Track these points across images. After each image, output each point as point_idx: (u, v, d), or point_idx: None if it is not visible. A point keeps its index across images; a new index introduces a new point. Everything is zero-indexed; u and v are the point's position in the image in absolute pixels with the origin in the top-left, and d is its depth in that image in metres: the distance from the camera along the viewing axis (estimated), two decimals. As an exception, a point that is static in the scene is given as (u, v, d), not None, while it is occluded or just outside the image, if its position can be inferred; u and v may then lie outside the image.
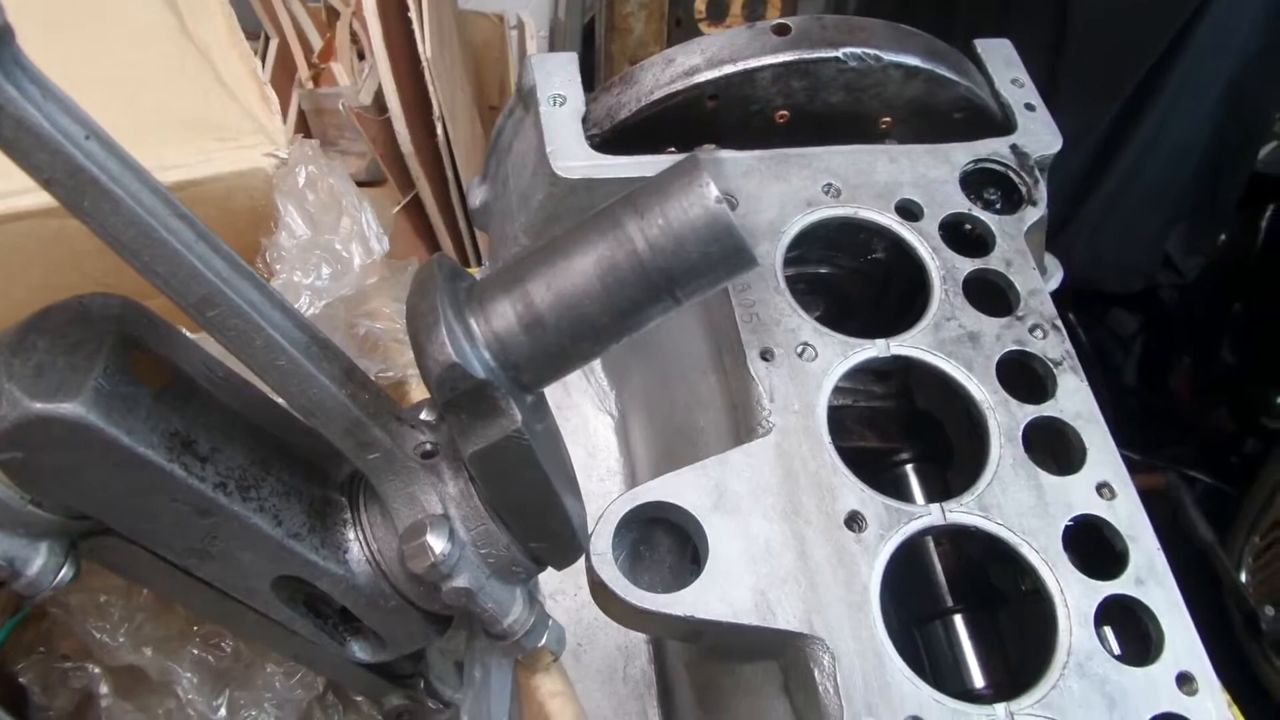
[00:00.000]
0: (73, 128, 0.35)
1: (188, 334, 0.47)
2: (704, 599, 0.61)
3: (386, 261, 0.56)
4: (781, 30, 0.79)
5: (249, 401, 0.47)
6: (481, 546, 0.46)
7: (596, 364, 0.97)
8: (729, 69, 0.78)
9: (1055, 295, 1.18)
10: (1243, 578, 1.91)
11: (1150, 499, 2.18)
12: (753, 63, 0.78)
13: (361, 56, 1.74)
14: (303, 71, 1.71)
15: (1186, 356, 2.19)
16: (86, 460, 0.39)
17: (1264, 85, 1.66)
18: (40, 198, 0.61)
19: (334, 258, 0.54)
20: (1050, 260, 1.06)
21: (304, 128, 1.72)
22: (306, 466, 0.48)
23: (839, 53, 0.79)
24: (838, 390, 0.84)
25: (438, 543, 0.43)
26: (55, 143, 0.34)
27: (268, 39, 1.79)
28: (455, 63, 1.59)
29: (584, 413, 0.95)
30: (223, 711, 0.53)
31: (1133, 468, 2.18)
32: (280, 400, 0.47)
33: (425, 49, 1.28)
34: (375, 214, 0.58)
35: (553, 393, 0.98)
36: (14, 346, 0.40)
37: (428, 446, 0.46)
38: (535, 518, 0.45)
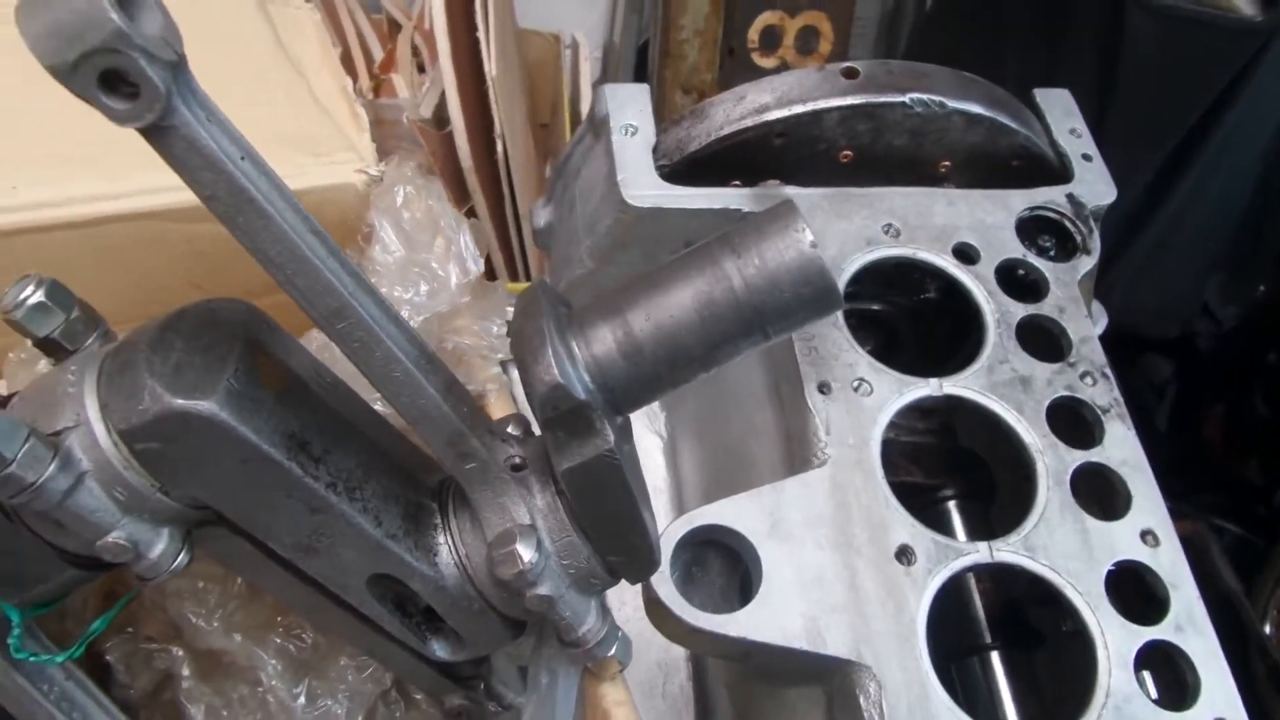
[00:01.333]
0: (232, 149, 0.38)
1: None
2: (757, 622, 0.63)
3: (479, 279, 0.59)
4: (850, 74, 0.82)
5: (352, 407, 0.50)
6: (564, 558, 0.48)
7: (648, 385, 1.00)
8: (798, 109, 0.81)
9: None
10: (1267, 629, 1.90)
11: (1177, 546, 2.13)
12: (821, 104, 0.81)
13: (422, 70, 1.78)
14: (364, 82, 1.75)
15: (1220, 405, 2.19)
16: (215, 454, 0.42)
17: (1310, 142, 1.67)
18: (143, 201, 0.65)
19: (431, 276, 0.57)
20: (1096, 306, 1.08)
21: (362, 137, 1.76)
22: (402, 472, 0.50)
23: (906, 98, 0.81)
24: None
25: (526, 551, 0.46)
26: (219, 162, 0.37)
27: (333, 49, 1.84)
28: (516, 80, 1.63)
29: (634, 431, 0.98)
30: (302, 699, 0.56)
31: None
32: (380, 409, 0.50)
33: (491, 67, 1.32)
34: (472, 235, 0.62)
35: (605, 410, 1.00)
36: (154, 344, 0.43)
37: (517, 460, 0.49)
38: (618, 533, 0.48)
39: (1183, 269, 1.84)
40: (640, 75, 2.06)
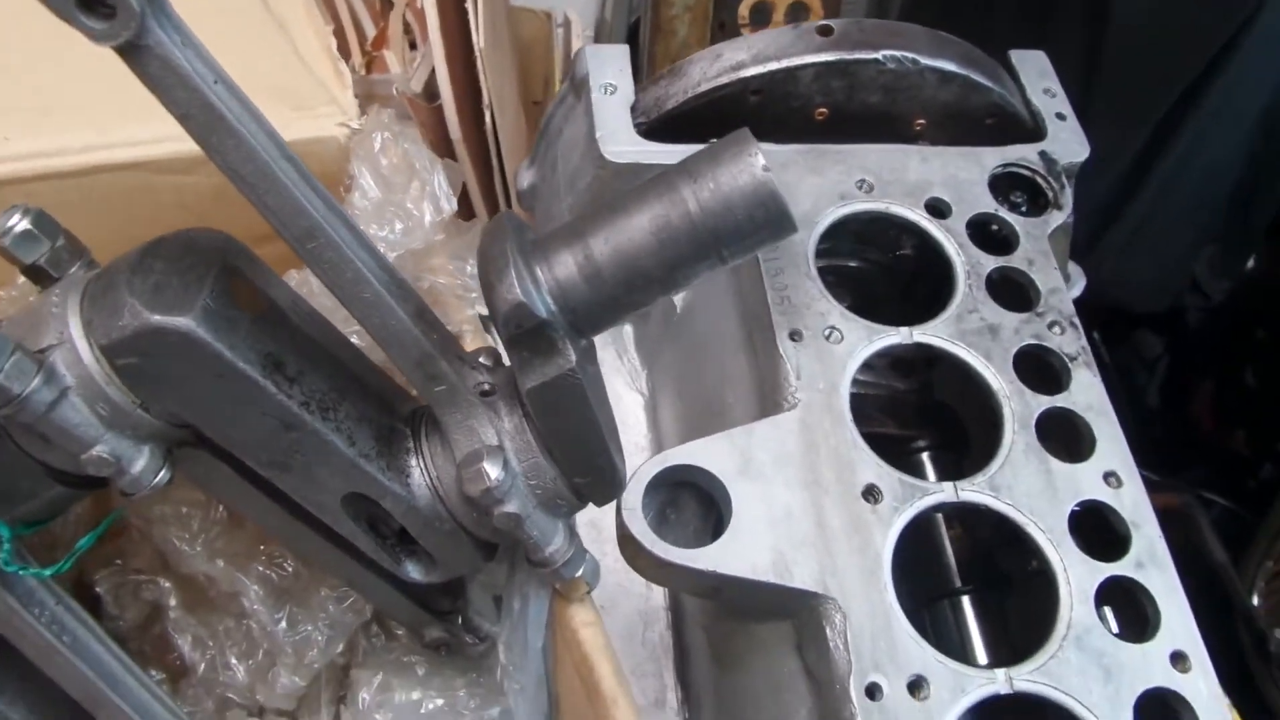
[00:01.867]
0: (205, 71, 0.40)
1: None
2: (726, 556, 0.65)
3: (454, 221, 0.61)
4: (825, 31, 0.84)
5: (330, 337, 0.52)
6: (531, 478, 0.50)
7: (630, 345, 1.02)
8: (773, 65, 0.82)
9: (1079, 312, 1.22)
10: (1255, 601, 1.92)
11: (1167, 519, 2.19)
12: (795, 61, 0.83)
13: (413, 46, 1.79)
14: (356, 58, 1.76)
15: (1209, 380, 2.21)
16: (193, 370, 0.44)
17: (1299, 115, 1.68)
18: (132, 152, 0.67)
19: (406, 215, 0.59)
20: (1074, 268, 1.09)
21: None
22: (377, 399, 0.52)
23: (879, 54, 0.83)
24: (862, 380, 0.89)
25: (493, 469, 0.48)
26: (193, 82, 0.39)
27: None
28: (506, 55, 1.64)
29: (616, 389, 0.99)
30: (283, 624, 0.58)
31: (1151, 488, 2.19)
32: (355, 340, 0.52)
33: (479, 40, 1.33)
34: (446, 175, 0.63)
35: (588, 368, 1.02)
36: (134, 266, 0.45)
37: (486, 386, 0.51)
38: (582, 454, 0.50)
39: (1172, 241, 1.85)
40: (632, 52, 2.07)
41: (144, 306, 0.43)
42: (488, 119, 1.41)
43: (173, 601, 0.60)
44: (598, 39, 2.19)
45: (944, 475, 0.86)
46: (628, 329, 1.02)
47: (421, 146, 0.63)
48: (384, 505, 0.50)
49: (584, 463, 0.50)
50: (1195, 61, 1.54)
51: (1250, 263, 2.07)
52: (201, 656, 0.61)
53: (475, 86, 1.43)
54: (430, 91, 1.51)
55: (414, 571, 0.54)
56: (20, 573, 0.48)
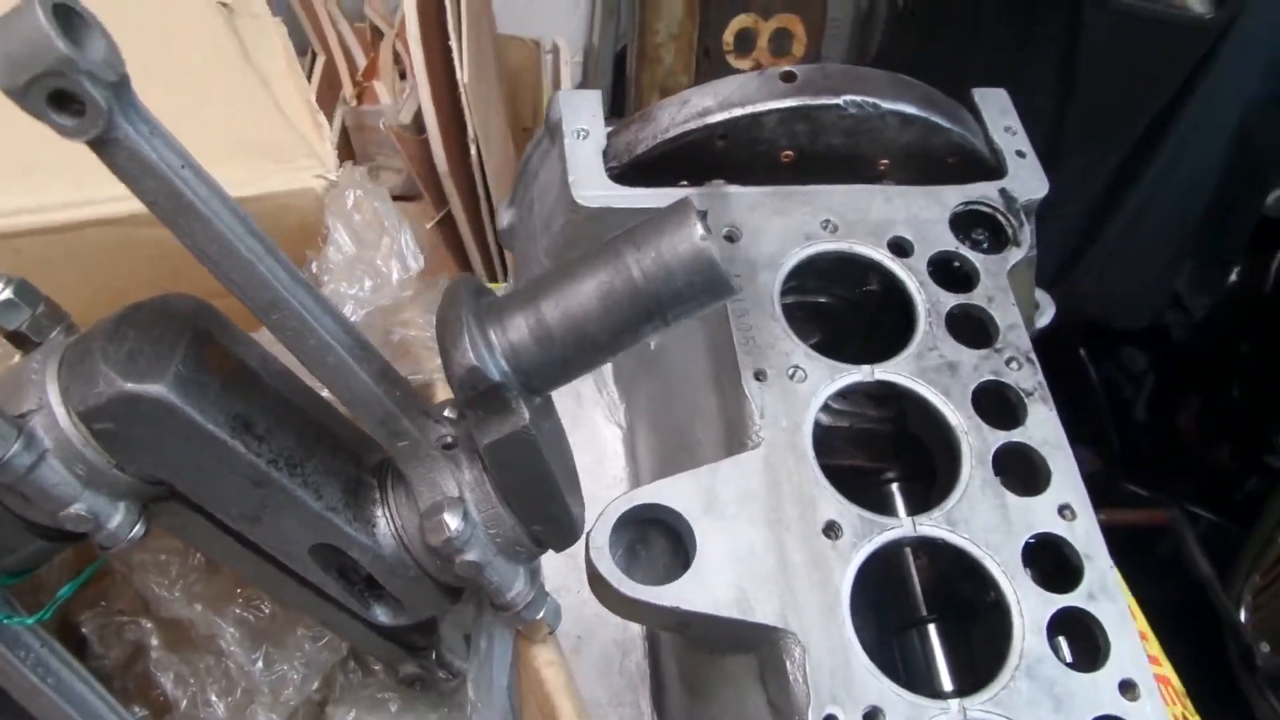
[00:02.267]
0: (172, 159, 0.43)
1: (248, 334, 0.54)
2: (690, 593, 0.68)
3: (421, 277, 0.64)
4: (788, 77, 0.86)
5: (299, 393, 0.55)
6: (490, 527, 0.53)
7: (609, 378, 1.04)
8: (738, 112, 0.85)
9: (1059, 330, 1.24)
10: (1242, 615, 1.94)
11: (1153, 534, 2.23)
12: (760, 107, 0.85)
13: (403, 76, 1.82)
14: (347, 89, 1.80)
15: (1195, 394, 2.23)
16: (165, 433, 0.47)
17: (1271, 131, 1.71)
18: (113, 208, 0.70)
19: (375, 272, 0.62)
20: (1042, 296, 1.12)
21: (346, 143, 1.82)
22: (345, 452, 0.55)
23: (840, 100, 0.86)
24: (835, 412, 0.91)
25: (453, 520, 0.51)
26: (159, 171, 0.42)
27: (315, 56, 1.89)
28: (492, 86, 1.68)
29: (595, 423, 1.02)
30: (259, 664, 0.61)
31: (1138, 503, 2.21)
32: (326, 394, 0.55)
33: (463, 75, 1.37)
34: (414, 235, 0.66)
35: (566, 403, 1.05)
36: (109, 334, 0.47)
37: (449, 439, 0.53)
38: (538, 504, 0.52)
39: (1150, 260, 1.88)
40: (619, 79, 2.10)
41: (118, 375, 0.46)
42: (473, 152, 1.44)
43: (154, 641, 0.63)
44: (586, 66, 2.23)
45: (912, 505, 0.89)
46: (608, 364, 1.05)
47: (390, 205, 0.66)
48: (351, 554, 0.53)
49: (540, 512, 0.53)
50: (1164, 88, 1.57)
51: (1232, 276, 2.09)
52: (183, 694, 0.63)
53: (461, 119, 1.47)
54: (419, 124, 1.55)
55: (382, 615, 0.56)
56: (5, 621, 0.51)
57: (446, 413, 0.55)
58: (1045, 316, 1.13)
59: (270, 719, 0.61)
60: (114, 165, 0.41)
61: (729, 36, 1.93)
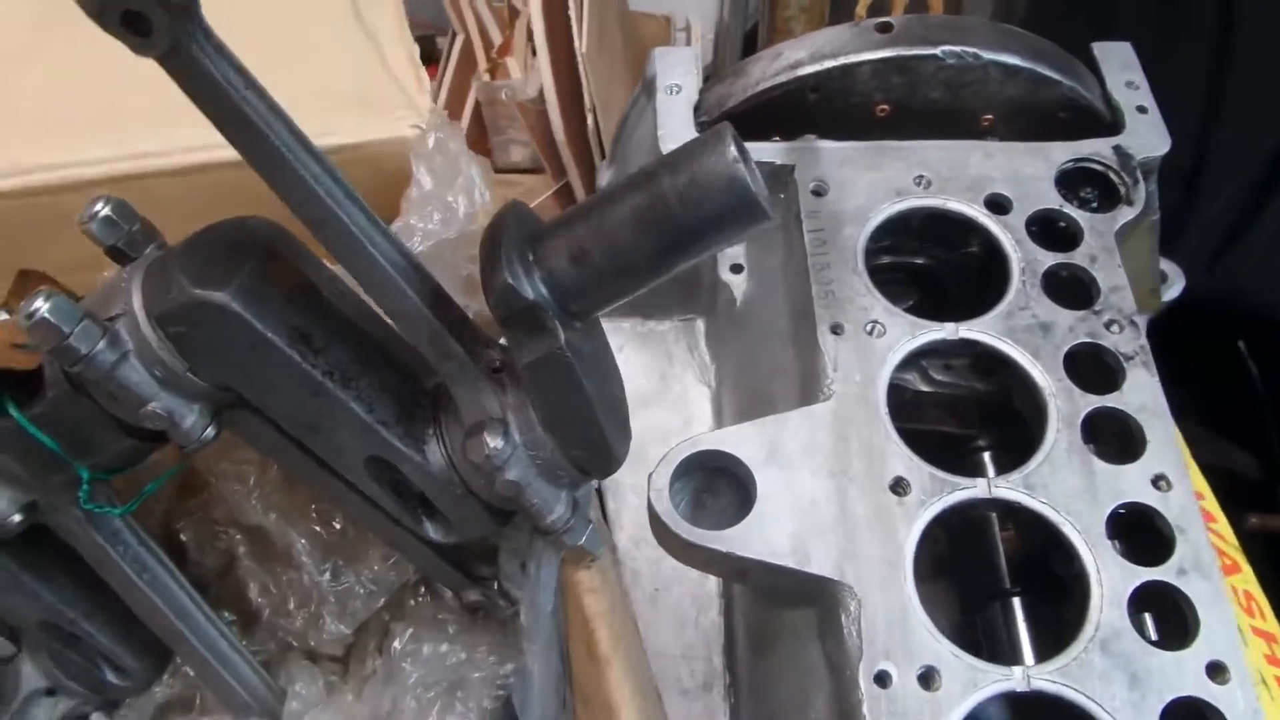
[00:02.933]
0: (236, 79, 0.46)
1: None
2: (747, 539, 0.67)
3: (487, 212, 0.66)
4: (884, 28, 0.84)
5: (363, 316, 0.58)
6: (531, 449, 0.54)
7: (701, 338, 1.04)
8: (829, 63, 0.84)
9: (1216, 320, 1.14)
10: None
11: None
12: (853, 58, 0.83)
13: (535, 54, 1.87)
14: (481, 65, 1.86)
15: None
16: (230, 339, 0.51)
17: None
18: (230, 153, 0.75)
19: (445, 207, 0.64)
20: (1170, 267, 1.05)
21: (479, 118, 1.88)
22: (403, 372, 0.58)
23: (937, 50, 0.83)
24: (936, 381, 0.88)
25: (493, 439, 0.52)
26: (222, 89, 0.45)
27: (454, 35, 1.96)
28: (617, 59, 1.70)
29: (685, 381, 1.02)
30: (328, 575, 0.65)
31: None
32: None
33: (581, 44, 1.39)
34: (482, 172, 0.68)
35: (658, 360, 1.06)
36: (187, 249, 0.52)
37: (496, 363, 0.55)
38: (575, 428, 0.54)
39: (1324, 244, 1.72)
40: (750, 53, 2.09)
41: (189, 282, 0.50)
42: (590, 121, 1.47)
43: (242, 550, 0.68)
44: (717, 43, 2.22)
45: (1001, 473, 0.85)
46: (699, 323, 1.05)
47: (463, 145, 0.68)
48: (402, 469, 0.56)
49: (577, 436, 0.54)
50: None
51: None
52: (267, 603, 0.68)
53: (581, 91, 1.49)
54: (543, 98, 1.59)
55: (433, 532, 0.59)
56: (97, 510, 0.56)
57: (501, 340, 0.57)
58: (1174, 289, 1.06)
59: (339, 629, 0.64)
60: (181, 80, 0.45)
61: (861, 8, 1.89)
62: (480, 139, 1.90)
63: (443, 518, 0.58)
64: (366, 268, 0.50)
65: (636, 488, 0.92)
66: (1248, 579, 1.10)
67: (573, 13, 1.37)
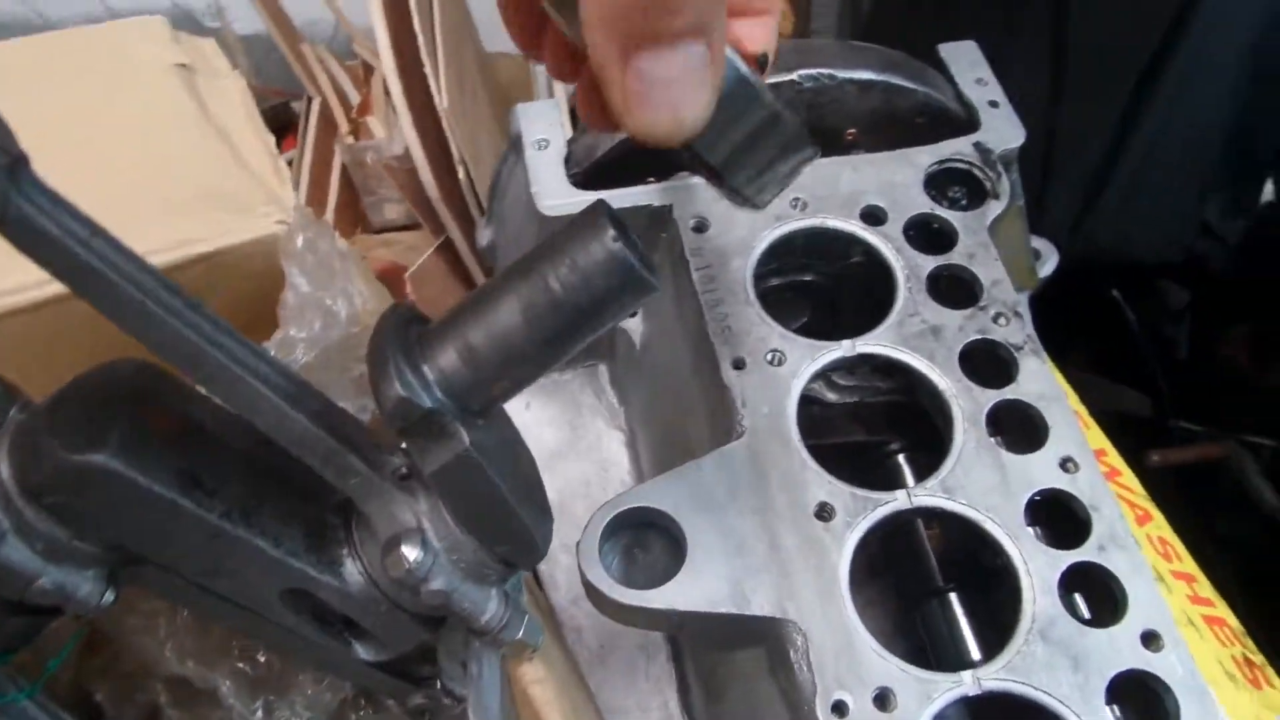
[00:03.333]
0: (78, 229, 0.43)
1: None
2: (684, 592, 0.67)
3: (369, 311, 0.64)
4: (738, 60, 0.85)
5: (255, 442, 0.55)
6: (452, 553, 0.52)
7: (606, 383, 1.04)
8: (691, 101, 0.84)
9: (1091, 275, 1.20)
10: (1318, 544, 1.86)
11: (1213, 470, 2.15)
12: (713, 93, 0.84)
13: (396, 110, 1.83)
14: (343, 127, 1.82)
15: (1242, 322, 2.15)
16: (112, 500, 0.48)
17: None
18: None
19: (325, 312, 0.62)
20: (1042, 244, 1.09)
21: (347, 180, 1.84)
22: (306, 494, 0.55)
23: (794, 75, 0.84)
24: (842, 389, 0.90)
25: (411, 551, 0.51)
26: (62, 244, 0.42)
27: (310, 99, 1.92)
28: (481, 106, 1.68)
29: (596, 429, 1.02)
30: (260, 713, 0.62)
31: (1192, 438, 2.14)
32: (278, 439, 0.55)
33: (442, 100, 1.37)
34: (361, 269, 0.66)
35: (566, 411, 1.05)
36: (53, 408, 0.48)
37: (403, 470, 0.53)
38: (495, 524, 0.52)
39: (1175, 190, 1.82)
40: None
41: (62, 447, 0.46)
42: (461, 175, 1.45)
43: (164, 700, 0.64)
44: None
45: (920, 476, 0.87)
46: (602, 368, 1.05)
47: (334, 242, 0.66)
48: (321, 596, 0.53)
49: (499, 533, 0.52)
50: (1164, 13, 1.51)
51: (1266, 195, 2.01)
52: (199, 748, 0.64)
53: (448, 145, 1.47)
54: (409, 155, 1.56)
55: (364, 652, 0.57)
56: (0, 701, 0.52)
57: (403, 444, 0.55)
58: (1049, 264, 1.10)
59: (281, 763, 0.61)
60: (16, 241, 0.42)
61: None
62: (352, 200, 1.85)
63: (372, 637, 0.56)
64: (250, 400, 0.48)
65: (566, 546, 0.91)
66: (1160, 525, 1.15)
67: (428, 68, 1.35)
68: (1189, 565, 1.12)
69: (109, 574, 0.52)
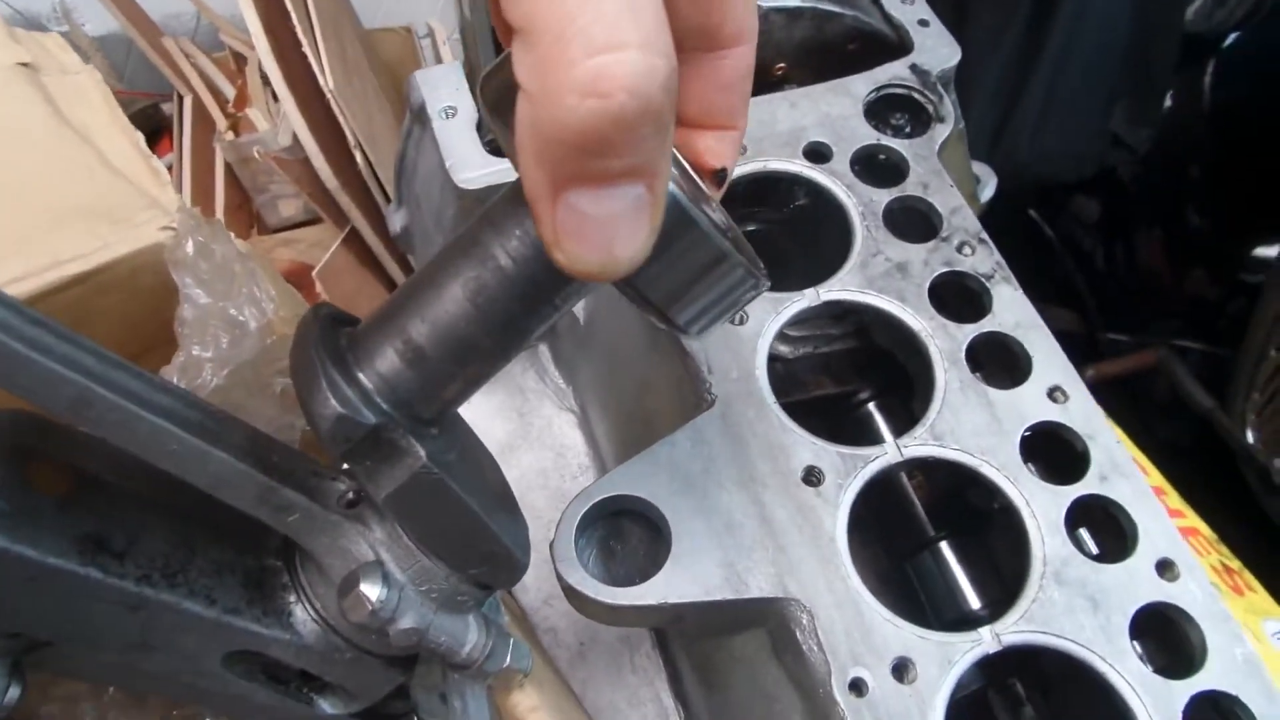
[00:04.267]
0: None
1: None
2: (674, 583, 0.61)
3: (283, 318, 0.56)
4: None
5: (166, 487, 0.47)
6: (421, 584, 0.45)
7: (549, 363, 0.97)
8: (610, 48, 0.77)
9: (1007, 197, 1.18)
10: (1249, 437, 1.91)
11: (1148, 378, 2.17)
12: (632, 37, 0.77)
13: (277, 98, 1.71)
14: (220, 124, 1.69)
15: (1155, 229, 2.18)
16: (3, 582, 0.39)
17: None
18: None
19: (231, 324, 0.54)
20: (981, 168, 1.05)
21: (234, 180, 1.71)
22: (238, 539, 0.47)
23: (716, 10, 0.78)
24: (795, 340, 0.85)
25: (373, 590, 0.43)
26: None
27: (181, 98, 1.78)
28: (368, 86, 1.57)
29: (546, 414, 0.95)
30: (215, 788, 0.54)
31: (1122, 349, 2.16)
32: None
33: (327, 81, 1.27)
34: (266, 273, 0.58)
35: (512, 398, 0.97)
36: (-95, 484, 0.39)
37: (350, 496, 0.46)
38: (466, 545, 0.45)
39: (1082, 105, 1.82)
40: (501, 49, 1.99)
41: (-76, 528, 0.38)
42: (359, 159, 1.35)
43: (102, 788, 0.56)
44: (465, 42, 2.12)
45: (895, 422, 0.82)
46: (543, 348, 0.97)
47: (232, 245, 0.57)
48: (271, 654, 0.46)
49: (472, 553, 0.45)
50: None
51: (1166, 105, 2.04)
52: (149, 834, 0.56)
53: (339, 129, 1.37)
54: (300, 144, 1.45)
55: (331, 707, 0.49)
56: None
57: (345, 465, 0.47)
58: (988, 189, 1.07)
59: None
60: None
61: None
62: (242, 201, 1.73)
63: (337, 688, 0.49)
64: (154, 441, 0.40)
65: (532, 543, 0.85)
66: (1122, 439, 1.13)
67: (308, 49, 1.25)
68: (1156, 478, 1.12)
69: (11, 666, 0.43)
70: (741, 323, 0.70)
